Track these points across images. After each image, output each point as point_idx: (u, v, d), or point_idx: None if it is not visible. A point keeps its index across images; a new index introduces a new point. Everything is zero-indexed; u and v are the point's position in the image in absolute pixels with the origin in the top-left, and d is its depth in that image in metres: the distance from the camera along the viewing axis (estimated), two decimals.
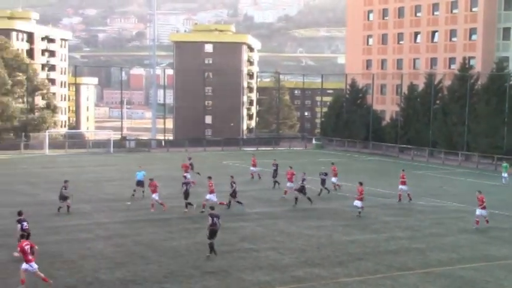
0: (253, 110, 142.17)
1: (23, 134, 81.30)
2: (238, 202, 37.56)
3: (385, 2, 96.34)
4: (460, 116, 73.83)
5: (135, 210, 36.63)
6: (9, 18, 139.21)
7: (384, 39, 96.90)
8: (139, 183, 40.57)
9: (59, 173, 49.14)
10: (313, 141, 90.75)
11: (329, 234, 31.76)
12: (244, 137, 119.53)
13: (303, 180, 40.16)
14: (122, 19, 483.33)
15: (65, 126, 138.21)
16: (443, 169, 65.11)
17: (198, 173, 47.48)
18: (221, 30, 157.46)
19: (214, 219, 26.44)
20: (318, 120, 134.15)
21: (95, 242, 28.94)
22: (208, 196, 35.75)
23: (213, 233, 26.48)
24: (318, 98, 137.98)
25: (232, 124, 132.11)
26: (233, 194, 37.81)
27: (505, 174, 54.81)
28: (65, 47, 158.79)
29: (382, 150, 79.67)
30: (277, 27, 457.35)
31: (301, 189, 39.75)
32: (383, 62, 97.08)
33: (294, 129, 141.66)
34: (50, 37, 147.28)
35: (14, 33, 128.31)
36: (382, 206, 40.93)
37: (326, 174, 45.10)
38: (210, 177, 36.62)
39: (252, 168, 52.65)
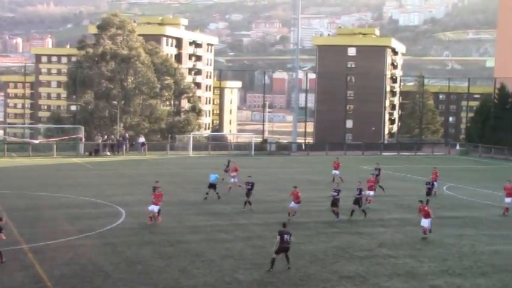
0: (395, 114, 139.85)
1: (169, 135, 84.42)
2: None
3: None
4: None
5: (273, 213, 36.98)
6: (160, 24, 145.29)
7: None
8: (212, 186, 40.24)
9: (200, 175, 50.51)
10: (457, 147, 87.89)
11: (471, 244, 30.59)
12: (385, 141, 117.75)
13: (360, 190, 36.26)
14: (267, 23, 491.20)
15: (208, 128, 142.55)
16: None
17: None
18: (365, 34, 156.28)
19: (285, 236, 24.82)
20: (463, 126, 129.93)
21: (234, 242, 29.47)
22: (292, 204, 34.92)
23: (282, 250, 24.78)
24: (464, 103, 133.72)
25: (373, 128, 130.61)
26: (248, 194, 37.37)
27: None
28: (211, 51, 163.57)
29: None
30: (422, 30, 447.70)
31: (357, 201, 35.72)
32: None
33: (437, 134, 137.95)
34: (197, 42, 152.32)
35: (164, 39, 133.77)
36: None
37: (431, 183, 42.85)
38: (295, 187, 35.67)
39: (334, 171, 51.53)
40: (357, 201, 35.67)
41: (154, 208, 32.83)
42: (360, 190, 36.02)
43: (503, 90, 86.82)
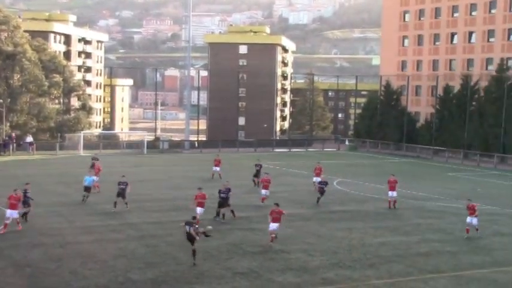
0: (287, 111, 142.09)
1: (59, 134, 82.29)
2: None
3: (421, 3, 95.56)
4: (496, 118, 72.92)
5: (166, 211, 36.80)
6: (47, 20, 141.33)
7: (419, 40, 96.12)
8: (87, 189, 38.81)
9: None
10: (346, 143, 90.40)
11: (360, 237, 31.58)
12: (277, 138, 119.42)
13: (228, 190, 34.21)
14: (157, 21, 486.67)
15: (99, 127, 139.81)
16: (478, 171, 64.32)
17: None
18: (256, 32, 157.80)
19: (187, 227, 25.40)
20: (351, 122, 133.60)
21: (127, 242, 29.13)
22: (198, 210, 33.10)
23: (188, 239, 25.61)
24: (352, 100, 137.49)
25: (265, 125, 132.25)
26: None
27: None
28: (100, 48, 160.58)
29: (415, 153, 78.98)
30: (311, 29, 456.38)
31: (221, 204, 34.28)
32: (418, 63, 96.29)
33: (328, 130, 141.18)
34: (87, 39, 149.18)
35: (51, 35, 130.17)
36: (413, 208, 40.54)
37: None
38: (200, 188, 34.18)
39: (215, 168, 51.68)
40: (223, 203, 34.05)
41: (13, 214, 30.30)
42: (229, 190, 34.15)
43: (389, 88, 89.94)
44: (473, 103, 78.19)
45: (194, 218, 26.64)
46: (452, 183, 53.18)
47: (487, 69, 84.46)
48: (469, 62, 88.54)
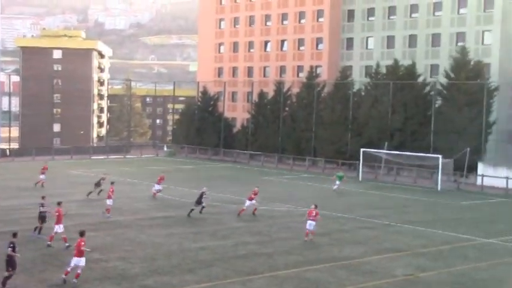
0: (104, 117, 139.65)
1: None
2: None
3: (236, 11, 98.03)
4: (307, 123, 76.41)
5: None
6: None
7: (235, 47, 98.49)
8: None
9: None
10: (165, 149, 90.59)
11: (180, 242, 31.81)
12: (95, 145, 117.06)
13: (42, 205, 32.85)
14: None
15: None
16: (292, 174, 66.99)
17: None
18: (70, 36, 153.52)
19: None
20: (169, 128, 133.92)
21: None
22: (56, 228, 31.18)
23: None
24: (170, 106, 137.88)
25: (82, 132, 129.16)
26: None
27: (337, 182, 53.32)
28: None
29: (233, 157, 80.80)
30: (128, 34, 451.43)
31: (42, 218, 32.46)
32: (234, 70, 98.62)
33: (146, 136, 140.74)
34: None
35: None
36: (231, 212, 41.43)
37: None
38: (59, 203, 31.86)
39: (41, 176, 50.56)
40: (42, 218, 32.24)
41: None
42: (42, 205, 32.53)
43: (206, 94, 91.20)
44: (286, 109, 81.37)
45: (15, 234, 24.32)
46: (268, 186, 54.95)
47: (298, 76, 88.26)
48: (282, 69, 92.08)
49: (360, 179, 62.55)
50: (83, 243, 24.38)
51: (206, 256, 29.01)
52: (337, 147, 72.50)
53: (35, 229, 32.20)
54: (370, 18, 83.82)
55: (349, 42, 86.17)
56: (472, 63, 67.30)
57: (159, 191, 46.93)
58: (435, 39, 77.30)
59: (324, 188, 55.60)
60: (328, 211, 42.75)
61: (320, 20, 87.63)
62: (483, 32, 73.44)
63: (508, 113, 72.31)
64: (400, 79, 69.98)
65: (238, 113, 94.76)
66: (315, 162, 74.24)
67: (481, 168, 61.33)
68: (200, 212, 39.45)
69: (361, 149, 63.93)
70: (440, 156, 58.10)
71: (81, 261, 24.26)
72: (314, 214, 33.11)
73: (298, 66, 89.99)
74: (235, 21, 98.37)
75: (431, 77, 74.43)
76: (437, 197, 52.36)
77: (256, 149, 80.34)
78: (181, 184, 54.49)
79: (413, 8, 79.40)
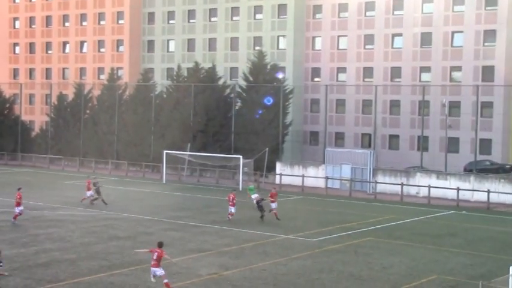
0: None
1: None
2: None
3: (32, 10, 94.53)
4: (109, 126, 75.42)
5: None
6: None
7: (31, 47, 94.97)
8: None
9: None
10: None
11: None
12: None
13: None
14: None
15: None
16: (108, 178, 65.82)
17: None
18: None
19: None
20: None
21: None
22: None
23: None
24: None
25: None
26: None
27: (253, 196, 45.16)
28: None
29: (32, 162, 77.71)
30: None
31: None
32: (31, 71, 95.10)
33: None
34: None
35: None
36: (32, 218, 39.97)
37: None
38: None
39: None
40: None
41: None
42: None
43: (0, 96, 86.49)
44: (88, 111, 79.74)
45: None
46: (70, 191, 53.59)
47: (99, 78, 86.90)
48: (82, 71, 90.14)
49: (164, 181, 62.87)
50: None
51: (4, 265, 27.75)
52: (140, 150, 72.29)
53: None
54: (170, 21, 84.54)
55: (150, 44, 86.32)
56: (268, 66, 70.23)
57: None
58: (234, 43, 79.63)
59: (129, 191, 55.25)
60: (133, 214, 42.64)
61: (120, 22, 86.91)
62: (278, 37, 76.89)
63: (303, 115, 76.36)
64: (202, 81, 71.29)
65: (36, 116, 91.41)
66: (118, 165, 73.45)
67: (279, 167, 64.03)
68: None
69: (164, 151, 64.28)
70: (241, 156, 59.92)
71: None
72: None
73: (99, 68, 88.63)
74: (32, 20, 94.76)
75: (231, 79, 76.59)
76: (240, 197, 53.91)
77: (56, 152, 77.89)
78: None
79: (212, 12, 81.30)
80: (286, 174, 62.83)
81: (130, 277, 26.49)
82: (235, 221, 40.72)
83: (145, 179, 65.72)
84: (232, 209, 40.95)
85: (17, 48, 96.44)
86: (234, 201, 41.16)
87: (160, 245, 24.67)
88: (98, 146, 75.81)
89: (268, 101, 67.06)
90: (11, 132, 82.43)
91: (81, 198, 46.73)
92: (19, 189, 39.25)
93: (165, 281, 23.93)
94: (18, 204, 38.23)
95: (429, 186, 54.21)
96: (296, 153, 73.73)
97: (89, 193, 46.42)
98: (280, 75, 70.98)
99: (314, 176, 60.83)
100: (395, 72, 72.17)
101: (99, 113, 77.46)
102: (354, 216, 44.33)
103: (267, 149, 62.78)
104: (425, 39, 70.39)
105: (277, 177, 62.99)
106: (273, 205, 41.71)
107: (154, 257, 24.20)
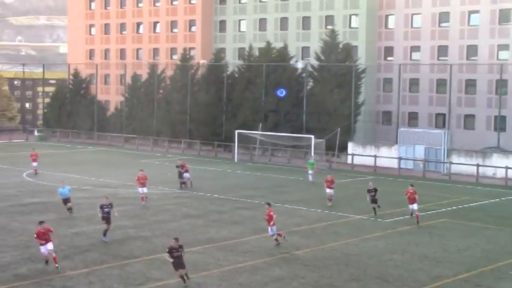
0: None
1: None
2: None
3: None
4: (182, 105, 76.19)
5: None
6: None
7: (106, 28, 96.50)
8: (67, 201, 34.93)
9: None
10: (36, 133, 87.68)
11: (54, 228, 30.99)
12: None
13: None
14: None
15: None
16: (168, 157, 66.76)
17: None
18: None
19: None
20: (40, 112, 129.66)
21: None
22: None
23: None
24: (40, 89, 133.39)
25: None
26: None
27: (310, 171, 49.45)
28: None
29: (107, 141, 79.41)
30: None
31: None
32: (106, 52, 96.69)
33: (15, 121, 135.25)
34: None
35: None
36: (107, 196, 40.72)
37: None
38: None
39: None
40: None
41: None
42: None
43: (77, 76, 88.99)
44: (161, 91, 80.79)
45: None
46: (146, 169, 54.40)
47: (172, 58, 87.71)
48: (155, 51, 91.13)
49: (236, 160, 63.28)
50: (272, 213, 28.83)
51: (82, 241, 28.55)
52: (212, 129, 72.82)
53: None
54: (242, 1, 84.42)
55: (222, 24, 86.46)
56: (340, 46, 69.45)
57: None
58: (305, 22, 78.99)
59: (202, 170, 55.79)
60: (204, 192, 43.10)
61: (193, 2, 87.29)
62: (350, 15, 75.85)
63: (375, 94, 75.32)
64: (273, 61, 71.13)
65: (111, 95, 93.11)
66: (191, 144, 74.29)
67: (351, 147, 63.52)
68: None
69: (236, 131, 64.59)
70: (312, 136, 59.67)
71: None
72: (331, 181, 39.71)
73: (172, 49, 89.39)
74: (107, 2, 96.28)
75: (303, 59, 76.10)
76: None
77: (130, 131, 79.36)
78: (52, 169, 53.02)
79: None
80: (358, 154, 62.26)
81: (202, 255, 26.79)
82: (306, 201, 40.67)
83: (218, 158, 66.23)
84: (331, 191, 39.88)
85: (93, 30, 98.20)
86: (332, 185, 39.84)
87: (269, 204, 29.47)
88: (171, 125, 76.75)
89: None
90: (87, 111, 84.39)
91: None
92: (141, 170, 39.76)
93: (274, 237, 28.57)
94: (143, 185, 38.48)
95: (506, 168, 52.78)
96: (368, 133, 72.86)
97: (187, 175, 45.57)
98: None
99: (387, 156, 60.09)
100: (472, 50, 70.23)
101: (172, 92, 78.32)
102: (427, 197, 43.54)
103: (338, 129, 62.31)
104: (504, 16, 68.22)
105: (349, 157, 62.51)
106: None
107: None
